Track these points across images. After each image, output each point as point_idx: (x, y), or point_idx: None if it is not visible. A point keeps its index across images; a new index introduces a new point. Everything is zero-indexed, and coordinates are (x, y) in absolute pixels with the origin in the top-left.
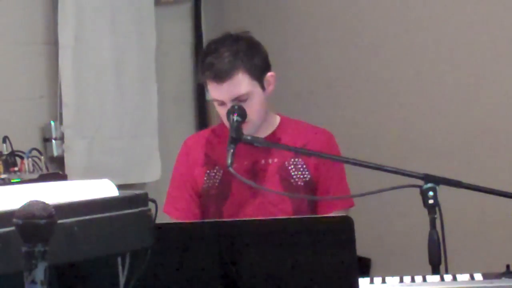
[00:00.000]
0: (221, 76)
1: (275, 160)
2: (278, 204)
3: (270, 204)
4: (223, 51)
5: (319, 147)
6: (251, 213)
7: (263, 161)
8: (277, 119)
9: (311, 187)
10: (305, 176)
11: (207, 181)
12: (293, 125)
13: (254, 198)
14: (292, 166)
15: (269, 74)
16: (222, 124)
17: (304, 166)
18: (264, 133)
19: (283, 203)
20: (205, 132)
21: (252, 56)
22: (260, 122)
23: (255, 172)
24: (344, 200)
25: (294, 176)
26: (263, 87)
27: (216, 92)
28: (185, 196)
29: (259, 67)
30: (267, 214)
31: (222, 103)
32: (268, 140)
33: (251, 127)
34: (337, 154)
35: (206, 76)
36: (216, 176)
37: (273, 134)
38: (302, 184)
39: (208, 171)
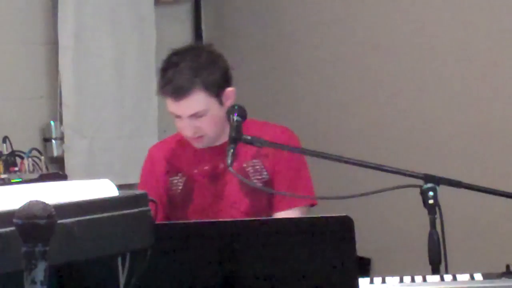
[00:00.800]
0: (178, 93)
1: (236, 163)
2: (237, 205)
3: (230, 206)
4: (183, 67)
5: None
6: (214, 216)
7: (221, 165)
8: None
9: (270, 187)
10: (263, 176)
11: (172, 187)
12: (252, 126)
13: (216, 202)
14: (250, 168)
15: (228, 89)
16: None
17: (262, 167)
18: (222, 139)
19: (242, 204)
20: (169, 140)
21: (212, 73)
22: (216, 136)
23: (216, 176)
24: (304, 199)
25: (253, 178)
26: (221, 103)
27: (173, 107)
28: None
29: (217, 83)
30: (227, 216)
31: (179, 117)
32: (224, 147)
33: (205, 141)
34: (296, 155)
35: (164, 90)
36: (179, 183)
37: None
38: (261, 184)
39: (171, 179)
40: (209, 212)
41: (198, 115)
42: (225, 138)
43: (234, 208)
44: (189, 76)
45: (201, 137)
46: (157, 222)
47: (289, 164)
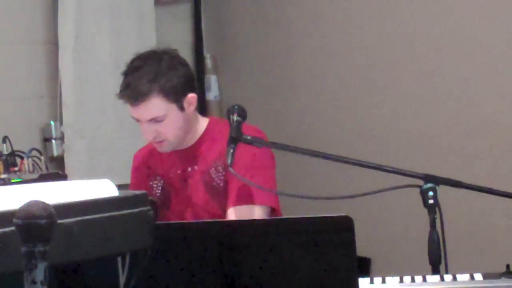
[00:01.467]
0: (136, 99)
1: (200, 166)
2: (208, 208)
3: (201, 209)
4: (143, 72)
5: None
6: (189, 219)
7: (189, 169)
8: (204, 124)
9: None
10: (225, 176)
11: (151, 192)
12: (220, 127)
13: (190, 205)
14: (213, 169)
15: (190, 95)
16: None
17: (223, 167)
18: (190, 142)
19: (212, 207)
20: (148, 144)
21: (171, 79)
22: (178, 141)
23: (185, 180)
24: (263, 197)
25: (216, 179)
26: (182, 108)
27: (132, 111)
28: None
29: (178, 89)
30: (199, 219)
31: (139, 121)
32: (192, 150)
33: (167, 146)
34: (267, 153)
35: (122, 95)
36: (158, 187)
37: (195, 144)
38: (222, 184)
39: (151, 183)
40: (185, 216)
41: (157, 120)
42: (192, 141)
43: (205, 211)
44: (147, 82)
45: (162, 141)
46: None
47: (243, 162)
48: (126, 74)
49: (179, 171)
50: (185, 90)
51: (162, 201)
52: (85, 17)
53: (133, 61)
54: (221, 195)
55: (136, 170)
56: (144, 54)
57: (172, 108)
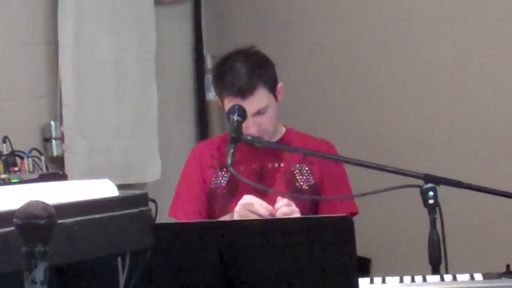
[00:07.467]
0: (244, 93)
1: (282, 164)
2: None
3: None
4: (239, 68)
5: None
6: None
7: (270, 165)
8: (283, 129)
9: (315, 191)
10: (310, 180)
11: (214, 181)
12: (297, 136)
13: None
14: (297, 171)
15: (279, 85)
16: None
17: (309, 171)
18: (272, 139)
19: None
20: (213, 139)
21: (267, 70)
22: (273, 130)
23: (262, 176)
24: (347, 207)
25: (299, 180)
26: (276, 98)
27: None
28: (192, 197)
29: (273, 79)
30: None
31: None
32: (274, 148)
33: (266, 137)
34: (340, 165)
35: (229, 93)
36: (224, 177)
37: (278, 142)
38: (307, 188)
39: (216, 172)
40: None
41: (262, 111)
42: (274, 138)
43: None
44: (250, 76)
45: (261, 134)
46: (199, 216)
47: (335, 174)
48: (222, 75)
49: (254, 166)
50: (276, 80)
51: (227, 191)
52: (85, 17)
53: (223, 62)
54: (301, 196)
55: (196, 160)
56: (230, 53)
57: (272, 98)
